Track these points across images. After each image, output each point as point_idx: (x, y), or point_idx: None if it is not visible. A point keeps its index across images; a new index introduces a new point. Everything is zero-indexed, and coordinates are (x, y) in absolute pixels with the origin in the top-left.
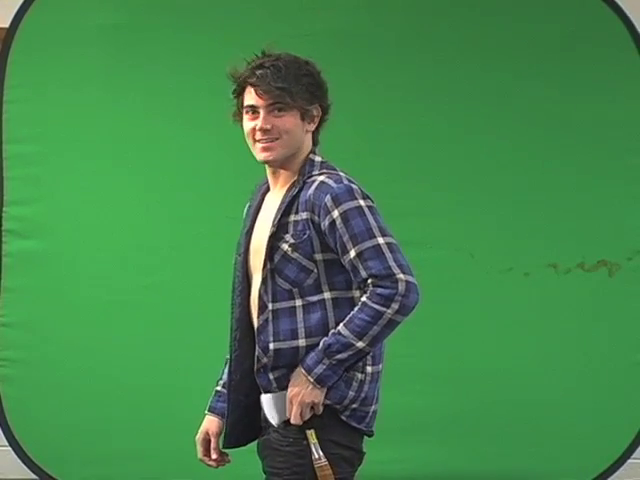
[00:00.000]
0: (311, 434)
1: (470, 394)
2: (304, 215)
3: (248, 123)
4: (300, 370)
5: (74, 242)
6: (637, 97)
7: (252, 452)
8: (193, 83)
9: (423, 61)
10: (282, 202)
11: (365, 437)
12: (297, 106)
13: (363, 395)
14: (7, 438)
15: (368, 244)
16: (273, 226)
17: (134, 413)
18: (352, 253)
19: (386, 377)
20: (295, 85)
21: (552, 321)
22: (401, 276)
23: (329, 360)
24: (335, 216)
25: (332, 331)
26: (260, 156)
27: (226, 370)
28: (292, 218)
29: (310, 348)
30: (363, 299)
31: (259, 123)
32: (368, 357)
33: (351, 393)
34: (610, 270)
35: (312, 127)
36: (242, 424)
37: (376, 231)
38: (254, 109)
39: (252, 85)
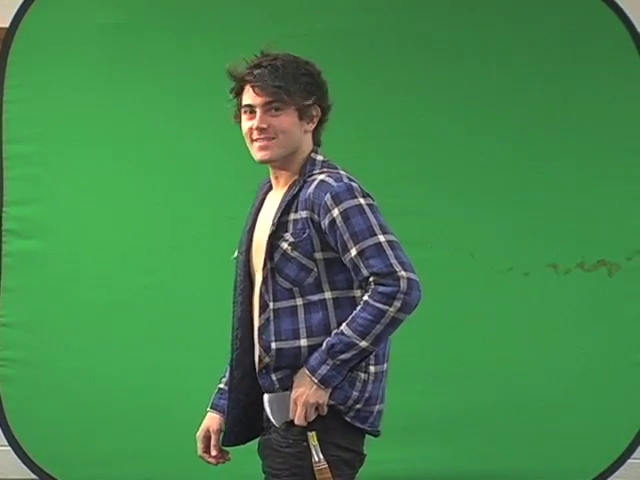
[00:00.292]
0: (312, 436)
1: (470, 394)
2: (304, 214)
3: (246, 123)
4: (304, 371)
5: (74, 242)
6: (637, 97)
7: (251, 452)
8: (193, 83)
9: (423, 61)
10: (282, 201)
11: (369, 437)
12: (294, 105)
13: (367, 395)
14: (7, 438)
15: (369, 242)
16: (273, 225)
17: (134, 413)
18: (353, 252)
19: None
20: (293, 84)
21: (552, 321)
22: (403, 273)
23: (333, 360)
24: (335, 215)
25: (335, 331)
26: (257, 155)
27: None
28: (292, 217)
29: (312, 348)
30: (365, 298)
31: (255, 122)
32: (371, 356)
33: (355, 393)
34: (610, 270)
35: (311, 127)
36: (242, 423)
37: (377, 229)
38: (251, 108)
39: (249, 84)
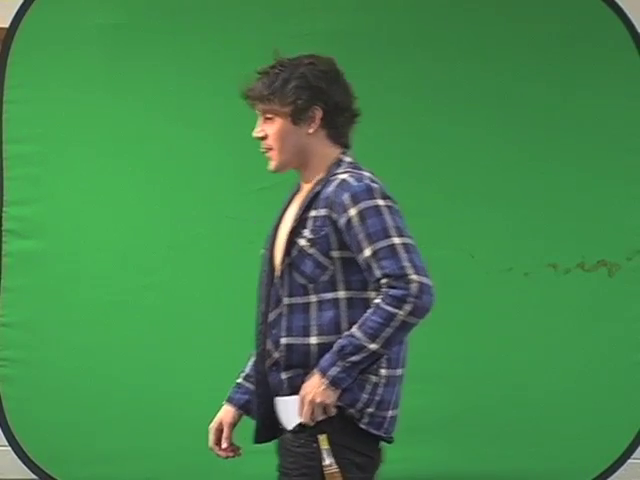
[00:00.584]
0: (323, 439)
1: (470, 394)
2: (323, 211)
3: None
4: (315, 372)
5: (74, 242)
6: (637, 97)
7: (250, 453)
8: (193, 83)
9: (423, 61)
10: (304, 198)
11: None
12: (283, 111)
13: (378, 398)
14: (7, 438)
15: (383, 243)
16: (294, 221)
17: (134, 413)
18: (367, 252)
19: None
20: (280, 90)
21: (552, 321)
22: (414, 277)
23: (343, 362)
24: (352, 214)
25: (346, 333)
26: (268, 167)
27: (250, 364)
28: (312, 214)
29: (322, 346)
30: (376, 301)
31: (254, 132)
32: (383, 360)
33: (364, 396)
34: (610, 270)
35: (312, 128)
36: (271, 419)
37: (392, 231)
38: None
39: (246, 97)
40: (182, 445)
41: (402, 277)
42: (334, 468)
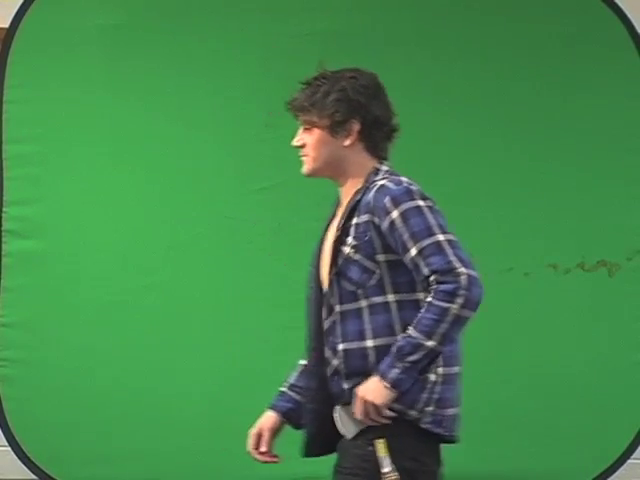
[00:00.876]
0: (380, 445)
1: (469, 394)
2: (365, 217)
3: None
4: (374, 377)
5: (74, 242)
6: (637, 97)
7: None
8: (193, 83)
9: (422, 61)
10: (346, 207)
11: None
12: (322, 123)
13: (437, 396)
14: (7, 438)
15: (428, 241)
16: (337, 230)
17: (134, 413)
18: (413, 251)
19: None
20: (320, 102)
21: (552, 321)
22: (462, 269)
23: (402, 363)
24: (395, 216)
25: (402, 334)
26: (302, 170)
27: (295, 375)
28: (354, 221)
29: (379, 349)
30: (428, 299)
31: (294, 141)
32: (439, 358)
33: (423, 395)
34: (610, 270)
35: (349, 141)
36: (323, 434)
37: (436, 229)
38: None
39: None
40: (182, 445)
41: (450, 271)
42: (394, 475)
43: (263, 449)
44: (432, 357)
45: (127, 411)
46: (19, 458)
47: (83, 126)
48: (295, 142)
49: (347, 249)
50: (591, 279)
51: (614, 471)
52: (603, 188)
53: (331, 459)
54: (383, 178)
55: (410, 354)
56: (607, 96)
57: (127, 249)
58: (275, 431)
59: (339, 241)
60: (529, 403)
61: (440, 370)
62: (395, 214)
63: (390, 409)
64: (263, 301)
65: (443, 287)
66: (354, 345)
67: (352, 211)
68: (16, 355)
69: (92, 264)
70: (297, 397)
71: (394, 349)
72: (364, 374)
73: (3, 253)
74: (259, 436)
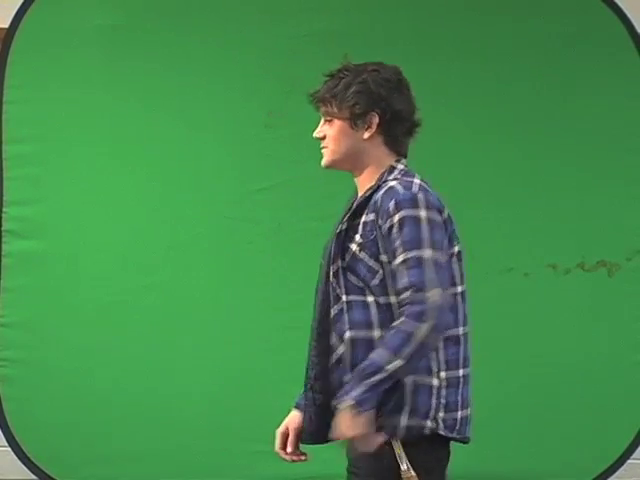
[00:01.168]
0: (396, 443)
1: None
2: (372, 216)
3: None
4: (341, 401)
5: (74, 242)
6: (637, 97)
7: (249, 454)
8: (192, 84)
9: (421, 62)
10: (355, 203)
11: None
12: (342, 114)
13: (443, 401)
14: (7, 438)
15: (414, 253)
16: (342, 223)
17: (134, 413)
18: (399, 259)
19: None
20: (341, 94)
21: (552, 321)
22: (435, 293)
23: (363, 382)
24: (394, 221)
25: (370, 355)
26: (322, 162)
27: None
28: (363, 219)
29: None
30: (396, 323)
31: (315, 132)
32: (441, 363)
33: (433, 402)
34: (610, 270)
35: (368, 134)
36: (318, 422)
37: (426, 243)
38: None
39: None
40: (182, 445)
41: (423, 290)
42: (413, 474)
43: (290, 450)
44: (396, 378)
45: (127, 411)
46: (19, 458)
47: (83, 126)
48: (316, 134)
49: (354, 246)
50: (591, 279)
51: (614, 471)
52: (603, 188)
53: (332, 460)
54: (395, 178)
55: (373, 374)
56: (607, 96)
57: (127, 249)
58: (301, 430)
59: (346, 236)
60: (529, 403)
61: (443, 374)
62: (395, 219)
63: (408, 426)
64: (263, 301)
65: (412, 309)
66: (361, 334)
67: (362, 208)
68: (16, 355)
69: (92, 264)
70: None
71: (357, 370)
72: None
73: (3, 253)
74: (285, 435)
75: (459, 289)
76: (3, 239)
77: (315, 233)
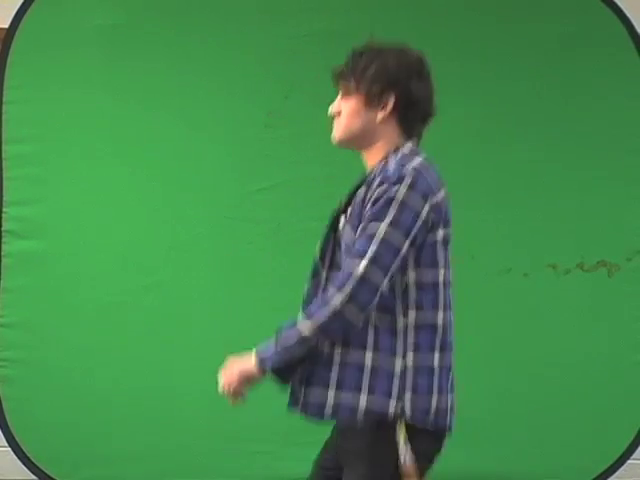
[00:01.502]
0: (400, 427)
1: (469, 394)
2: (362, 192)
3: None
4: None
5: (74, 242)
6: (637, 97)
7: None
8: (193, 83)
9: None
10: (358, 180)
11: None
12: (358, 91)
13: (409, 384)
14: (7, 439)
15: (372, 226)
16: (344, 203)
17: (134, 414)
18: (361, 226)
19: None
20: (361, 72)
21: (551, 322)
22: (367, 268)
23: (277, 345)
24: (374, 195)
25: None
26: (332, 137)
27: None
28: (357, 194)
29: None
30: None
31: (331, 107)
32: (408, 345)
33: (396, 383)
34: (609, 271)
35: (382, 114)
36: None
37: (388, 219)
38: None
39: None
40: (182, 445)
41: (358, 259)
42: (411, 465)
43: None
44: (309, 343)
45: (127, 411)
46: (19, 458)
47: (83, 126)
48: (331, 109)
49: (342, 219)
50: (591, 279)
51: (614, 471)
52: (603, 188)
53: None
54: (394, 158)
55: (287, 338)
56: (607, 96)
57: (127, 249)
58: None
59: (341, 211)
60: (528, 403)
61: (410, 357)
62: (375, 193)
63: (368, 408)
64: (262, 301)
65: (339, 276)
66: None
67: (359, 185)
68: (16, 355)
69: (92, 264)
70: None
71: (277, 330)
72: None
73: (3, 253)
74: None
75: (441, 272)
76: (3, 239)
77: (315, 233)
